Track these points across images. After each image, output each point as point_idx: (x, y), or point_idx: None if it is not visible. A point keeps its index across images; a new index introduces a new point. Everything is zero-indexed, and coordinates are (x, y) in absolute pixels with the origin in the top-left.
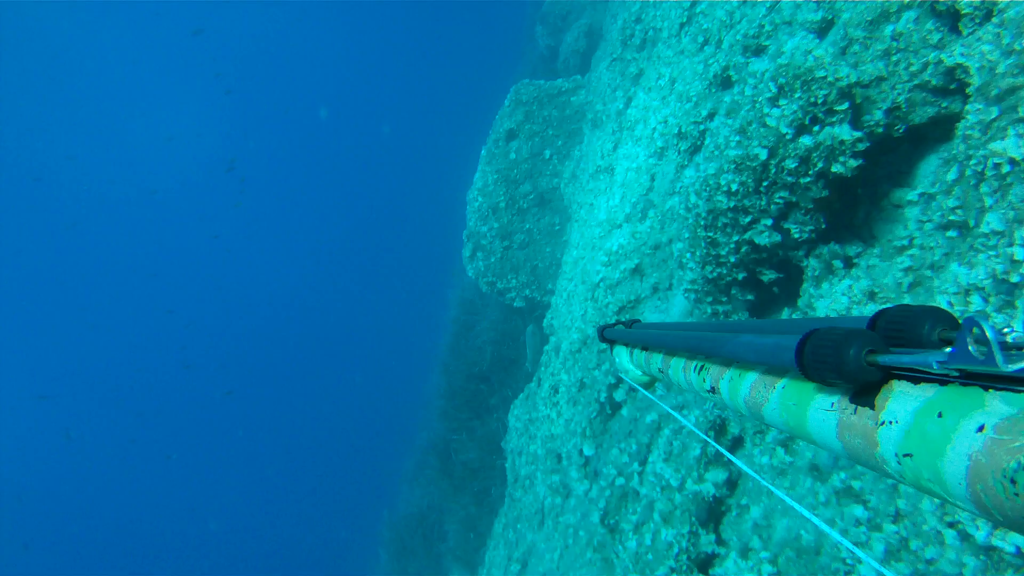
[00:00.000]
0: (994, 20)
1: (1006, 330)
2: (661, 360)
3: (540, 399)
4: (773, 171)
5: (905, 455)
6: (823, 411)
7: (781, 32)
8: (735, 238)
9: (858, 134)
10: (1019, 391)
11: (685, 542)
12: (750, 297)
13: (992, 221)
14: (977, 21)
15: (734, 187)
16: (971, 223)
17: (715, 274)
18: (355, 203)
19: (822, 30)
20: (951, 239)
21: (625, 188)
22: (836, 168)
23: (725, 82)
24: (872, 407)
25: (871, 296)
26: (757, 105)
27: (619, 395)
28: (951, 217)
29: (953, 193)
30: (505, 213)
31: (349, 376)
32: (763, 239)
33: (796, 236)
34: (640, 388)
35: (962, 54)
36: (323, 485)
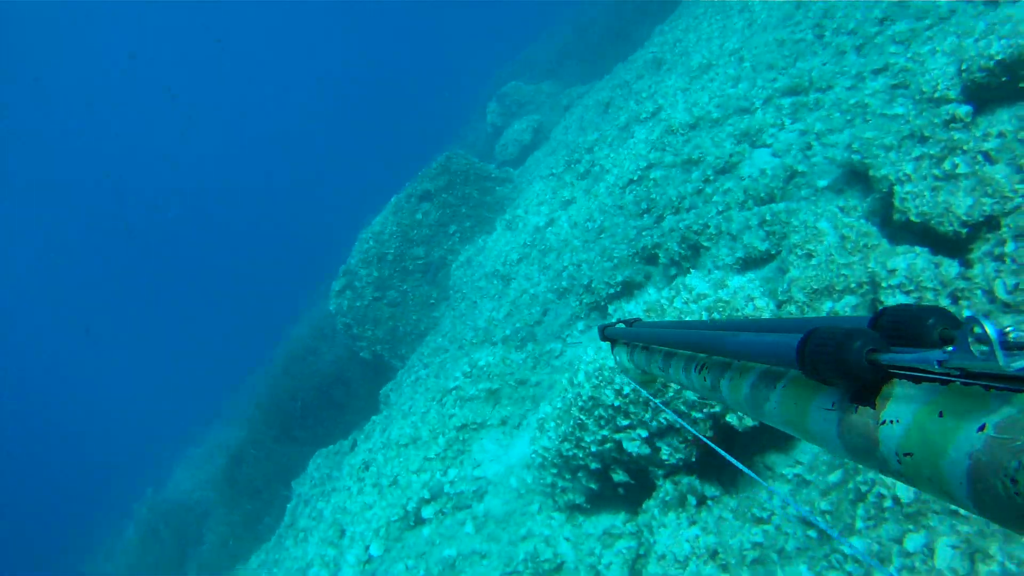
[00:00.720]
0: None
1: (1008, 329)
2: (662, 359)
3: (348, 464)
4: (670, 395)
5: (906, 454)
6: (824, 410)
7: (723, 241)
8: (604, 433)
9: None
10: (1020, 390)
11: None
12: (593, 486)
13: (856, 545)
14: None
15: (626, 390)
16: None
17: (570, 453)
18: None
19: (766, 266)
20: (809, 539)
21: (513, 308)
22: (730, 419)
23: (651, 259)
24: (873, 406)
25: (713, 555)
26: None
27: (427, 512)
28: (816, 518)
29: (829, 497)
30: (389, 266)
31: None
32: (632, 447)
33: (664, 458)
34: (640, 388)
35: None
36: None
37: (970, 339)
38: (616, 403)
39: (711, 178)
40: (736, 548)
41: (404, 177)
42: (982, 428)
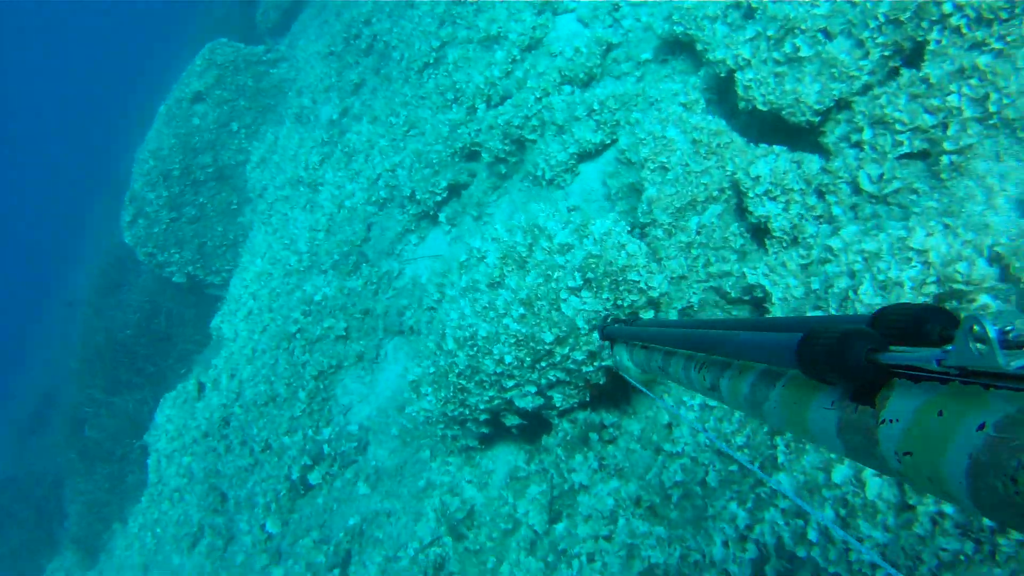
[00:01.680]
0: (800, 251)
1: (1007, 328)
2: (661, 358)
3: (204, 419)
4: (558, 358)
5: (905, 453)
6: (823, 409)
7: (549, 134)
8: (492, 393)
9: None
10: (1020, 389)
11: None
12: (485, 431)
13: (783, 481)
14: (784, 245)
15: (507, 359)
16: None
17: (456, 412)
18: None
19: (601, 157)
20: (731, 472)
21: (332, 223)
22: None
23: (472, 156)
24: (872, 405)
25: (637, 503)
26: (552, 285)
27: (314, 477)
28: (737, 455)
29: (744, 430)
30: (178, 183)
31: None
32: (524, 403)
33: (558, 404)
34: (641, 387)
35: (765, 275)
36: None
37: (969, 338)
38: (498, 370)
39: (518, 57)
40: (658, 486)
41: (165, 77)
42: (982, 427)
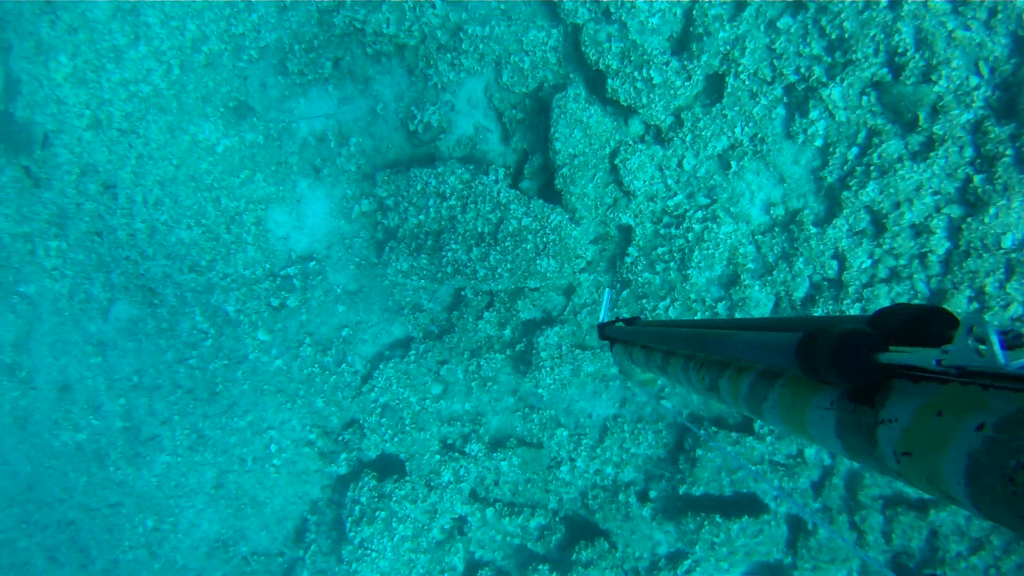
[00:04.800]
0: None
1: (1006, 329)
2: (661, 358)
3: None
4: None
5: (904, 453)
6: (822, 409)
7: None
8: None
9: None
10: (1019, 390)
11: None
12: None
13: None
14: None
15: None
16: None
17: None
18: None
19: None
20: None
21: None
22: None
23: None
24: (871, 405)
25: None
26: None
27: (293, 301)
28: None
29: None
30: None
31: None
32: None
33: None
34: (641, 387)
35: None
36: None
37: (969, 338)
38: None
39: None
40: None
41: None
42: (981, 427)
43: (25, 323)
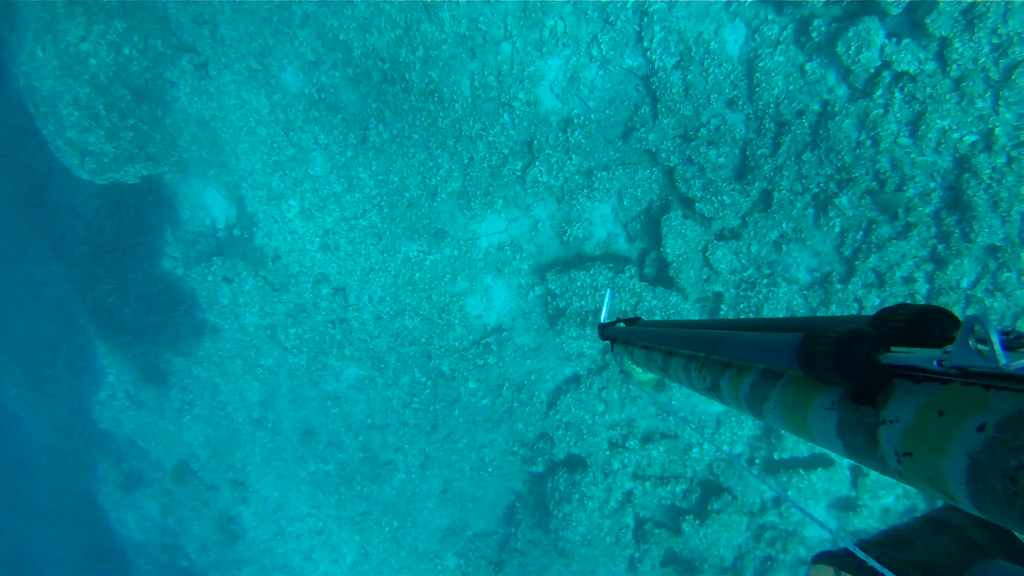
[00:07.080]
0: None
1: (1008, 329)
2: (662, 358)
3: None
4: None
5: (905, 454)
6: (824, 409)
7: None
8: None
9: None
10: (1020, 390)
11: None
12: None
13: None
14: None
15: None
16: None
17: None
18: None
19: None
20: None
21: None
22: None
23: None
24: (873, 405)
25: None
26: None
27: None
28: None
29: None
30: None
31: None
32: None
33: None
34: (641, 387)
35: None
36: None
37: (970, 339)
38: None
39: None
40: None
41: None
42: (982, 427)
43: (268, 388)
